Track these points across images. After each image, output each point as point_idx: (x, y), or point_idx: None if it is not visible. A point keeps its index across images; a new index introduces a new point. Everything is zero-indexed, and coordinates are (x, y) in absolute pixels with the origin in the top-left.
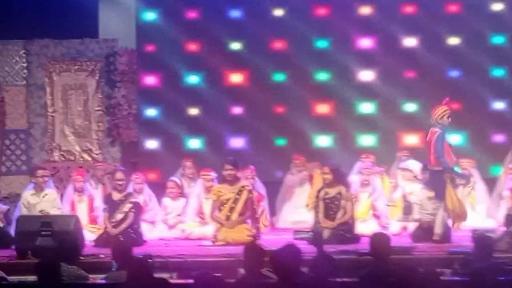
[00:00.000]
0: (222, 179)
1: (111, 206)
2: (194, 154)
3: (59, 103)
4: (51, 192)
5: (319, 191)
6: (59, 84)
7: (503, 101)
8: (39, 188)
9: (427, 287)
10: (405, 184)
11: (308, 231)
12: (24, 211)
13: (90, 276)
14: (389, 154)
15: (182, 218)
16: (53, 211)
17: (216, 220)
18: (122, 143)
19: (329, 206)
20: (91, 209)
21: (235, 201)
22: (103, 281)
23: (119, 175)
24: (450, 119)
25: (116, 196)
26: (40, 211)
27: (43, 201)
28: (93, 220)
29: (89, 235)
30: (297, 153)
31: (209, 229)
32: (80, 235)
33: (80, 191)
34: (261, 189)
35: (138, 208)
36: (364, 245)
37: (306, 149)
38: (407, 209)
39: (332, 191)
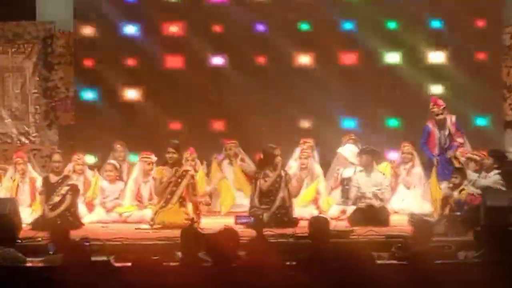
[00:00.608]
0: (164, 162)
1: (48, 188)
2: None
3: None
4: None
5: (256, 174)
6: None
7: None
8: None
9: (364, 271)
10: (343, 168)
11: (249, 216)
12: None
13: (27, 259)
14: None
15: (120, 201)
16: None
17: (160, 194)
18: (60, 126)
19: (268, 189)
20: (33, 190)
21: (176, 184)
22: (40, 264)
23: (56, 157)
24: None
25: (53, 178)
26: None
27: None
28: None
29: (27, 218)
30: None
31: (147, 212)
32: (17, 218)
33: (22, 173)
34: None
35: (75, 191)
36: (302, 229)
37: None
38: (345, 193)
39: (273, 174)
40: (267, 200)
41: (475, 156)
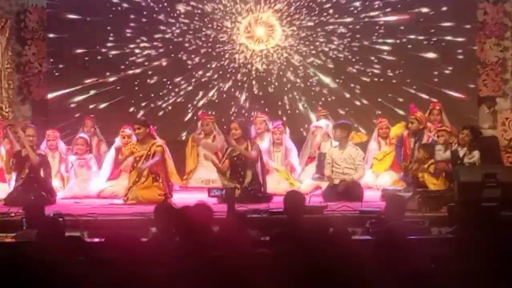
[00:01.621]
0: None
1: (20, 162)
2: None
3: None
4: None
5: (227, 149)
6: None
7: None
8: None
9: (338, 246)
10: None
11: (222, 189)
12: None
13: (0, 234)
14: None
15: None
16: None
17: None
18: (33, 101)
19: (236, 163)
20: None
21: (147, 157)
22: (13, 240)
23: (30, 131)
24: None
25: (25, 152)
26: None
27: None
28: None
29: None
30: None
31: (121, 188)
32: None
33: None
34: None
35: (47, 165)
36: (276, 204)
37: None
38: (320, 168)
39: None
40: (237, 176)
41: (445, 128)
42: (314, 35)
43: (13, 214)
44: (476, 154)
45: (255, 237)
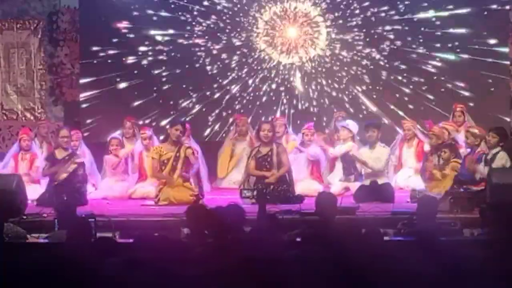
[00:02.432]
0: (164, 139)
1: (53, 164)
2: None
3: (1, 62)
4: None
5: (252, 150)
6: (1, 43)
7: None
8: None
9: (370, 247)
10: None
11: (253, 189)
12: None
13: (33, 235)
14: None
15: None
16: None
17: (158, 177)
18: (65, 102)
19: (261, 164)
20: (30, 168)
21: (176, 159)
22: (45, 241)
23: (64, 132)
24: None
25: (60, 154)
26: None
27: None
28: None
29: (32, 194)
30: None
31: (152, 189)
32: (23, 194)
33: (26, 149)
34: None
35: (82, 168)
36: (307, 205)
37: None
38: (347, 170)
39: (264, 150)
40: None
41: (474, 130)
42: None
43: (45, 215)
44: (503, 155)
45: (286, 238)
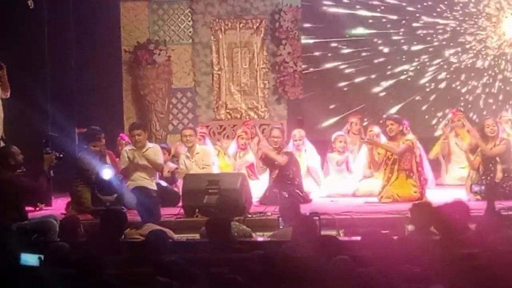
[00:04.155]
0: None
1: (268, 162)
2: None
3: (224, 61)
4: (202, 149)
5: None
6: (225, 42)
7: None
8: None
9: None
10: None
11: (482, 185)
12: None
13: (257, 233)
14: None
15: None
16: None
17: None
18: (288, 101)
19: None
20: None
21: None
22: (268, 239)
23: (276, 132)
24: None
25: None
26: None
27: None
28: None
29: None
30: None
31: (376, 186)
32: (247, 193)
33: (242, 148)
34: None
35: (294, 163)
36: None
37: None
38: None
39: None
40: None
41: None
42: None
43: (269, 214)
44: None
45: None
